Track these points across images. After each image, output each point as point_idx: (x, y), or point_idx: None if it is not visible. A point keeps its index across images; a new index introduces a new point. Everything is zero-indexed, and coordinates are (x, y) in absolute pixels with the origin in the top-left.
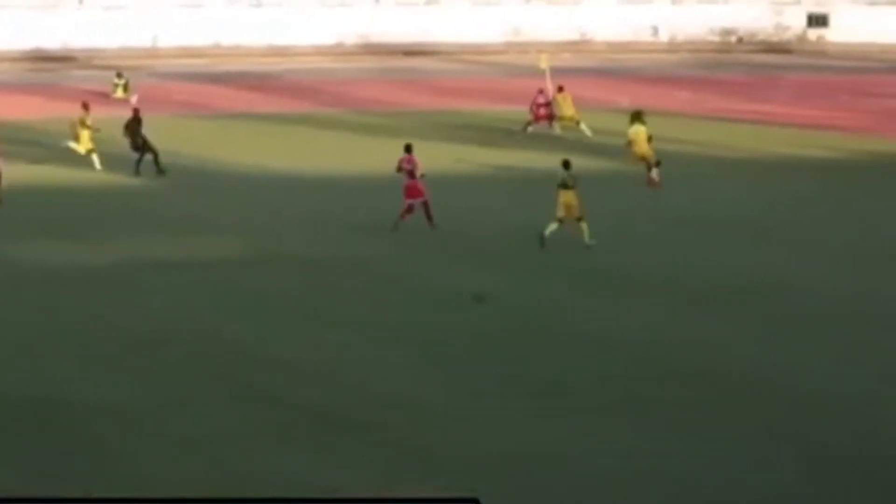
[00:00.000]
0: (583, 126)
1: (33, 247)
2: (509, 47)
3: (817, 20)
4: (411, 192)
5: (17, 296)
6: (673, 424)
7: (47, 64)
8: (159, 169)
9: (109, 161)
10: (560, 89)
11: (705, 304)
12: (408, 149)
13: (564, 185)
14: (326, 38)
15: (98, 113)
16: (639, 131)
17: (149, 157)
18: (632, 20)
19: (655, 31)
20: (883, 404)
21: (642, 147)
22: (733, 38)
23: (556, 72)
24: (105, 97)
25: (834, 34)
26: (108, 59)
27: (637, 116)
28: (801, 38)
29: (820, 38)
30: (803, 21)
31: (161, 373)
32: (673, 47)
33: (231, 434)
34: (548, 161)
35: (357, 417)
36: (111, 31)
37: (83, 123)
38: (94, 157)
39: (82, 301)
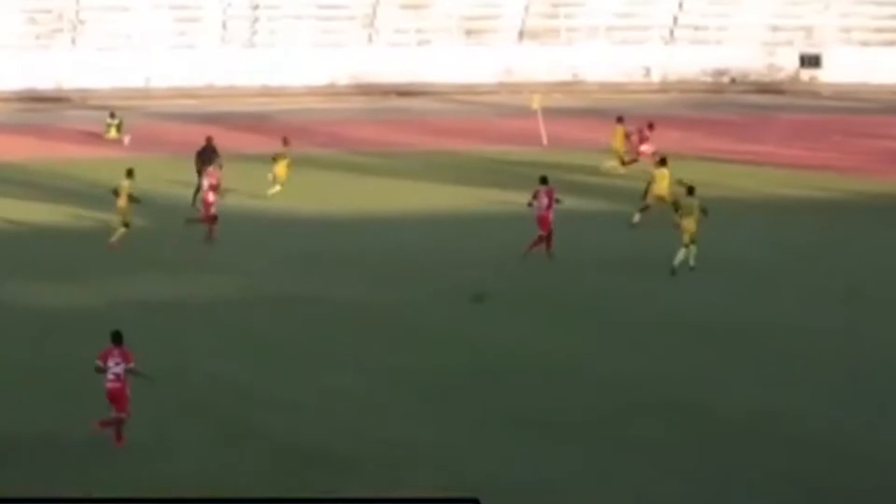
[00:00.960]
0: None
1: (26, 288)
2: (501, 87)
3: (810, 61)
4: (544, 222)
5: (11, 337)
6: (675, 462)
7: (40, 104)
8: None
9: (103, 202)
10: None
11: (705, 343)
12: (544, 180)
13: (689, 212)
14: (319, 78)
15: (90, 153)
16: (663, 174)
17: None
18: (624, 61)
19: (647, 71)
20: (878, 441)
21: (661, 187)
22: (725, 79)
23: (548, 112)
24: (98, 137)
25: (826, 74)
26: (101, 100)
27: (663, 161)
28: (794, 79)
29: (812, 78)
30: (796, 61)
31: (153, 411)
32: (665, 87)
33: (222, 472)
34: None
35: (355, 457)
36: (105, 72)
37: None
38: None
39: (75, 342)
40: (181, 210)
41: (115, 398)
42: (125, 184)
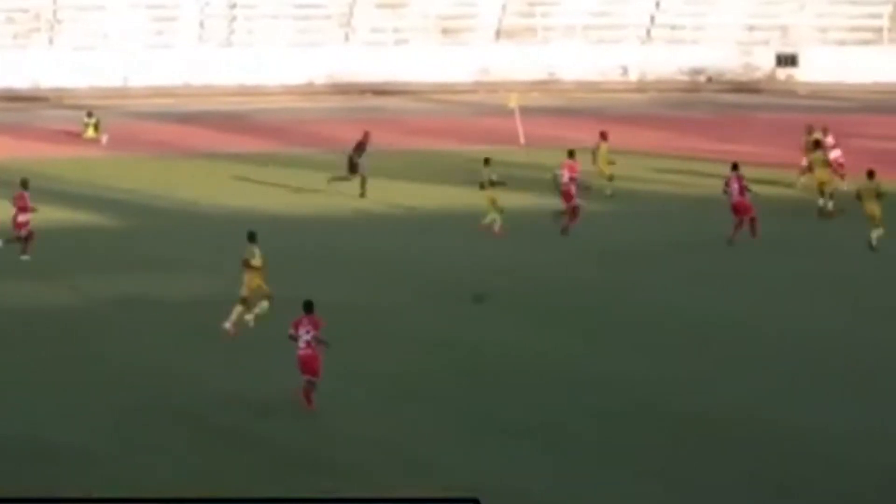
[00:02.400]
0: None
1: (4, 287)
2: (478, 87)
3: (786, 60)
4: (739, 208)
5: None
6: (667, 468)
7: (17, 103)
8: (362, 192)
9: (81, 201)
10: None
11: (694, 346)
12: (735, 167)
13: (869, 195)
14: (296, 77)
15: (68, 153)
16: (820, 158)
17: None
18: (600, 60)
19: (624, 70)
20: (873, 446)
21: (822, 173)
22: (702, 78)
23: (525, 111)
24: (76, 137)
25: (803, 74)
26: (78, 99)
27: (818, 144)
28: (770, 78)
29: (789, 77)
30: (772, 61)
31: (131, 414)
32: (642, 87)
33: (202, 476)
34: (526, 201)
35: (335, 459)
36: (82, 71)
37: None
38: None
39: (53, 341)
40: (155, 209)
41: (306, 364)
42: None
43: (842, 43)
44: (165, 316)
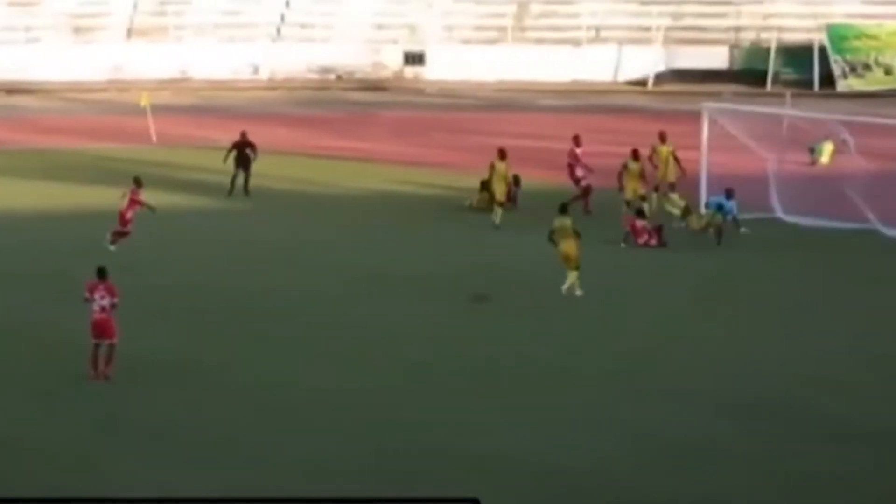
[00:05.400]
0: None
1: None
2: (110, 85)
3: (414, 58)
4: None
5: None
6: None
7: None
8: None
9: None
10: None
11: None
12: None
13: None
14: None
15: None
16: (662, 150)
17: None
18: (232, 58)
19: (255, 69)
20: None
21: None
22: (332, 76)
23: (157, 109)
24: None
25: (430, 72)
26: None
27: (663, 138)
28: (398, 76)
29: (417, 75)
30: (400, 59)
31: None
32: (273, 85)
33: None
34: (159, 199)
35: None
36: None
37: None
38: None
39: None
40: None
41: (102, 329)
42: None
43: (467, 42)
44: None
